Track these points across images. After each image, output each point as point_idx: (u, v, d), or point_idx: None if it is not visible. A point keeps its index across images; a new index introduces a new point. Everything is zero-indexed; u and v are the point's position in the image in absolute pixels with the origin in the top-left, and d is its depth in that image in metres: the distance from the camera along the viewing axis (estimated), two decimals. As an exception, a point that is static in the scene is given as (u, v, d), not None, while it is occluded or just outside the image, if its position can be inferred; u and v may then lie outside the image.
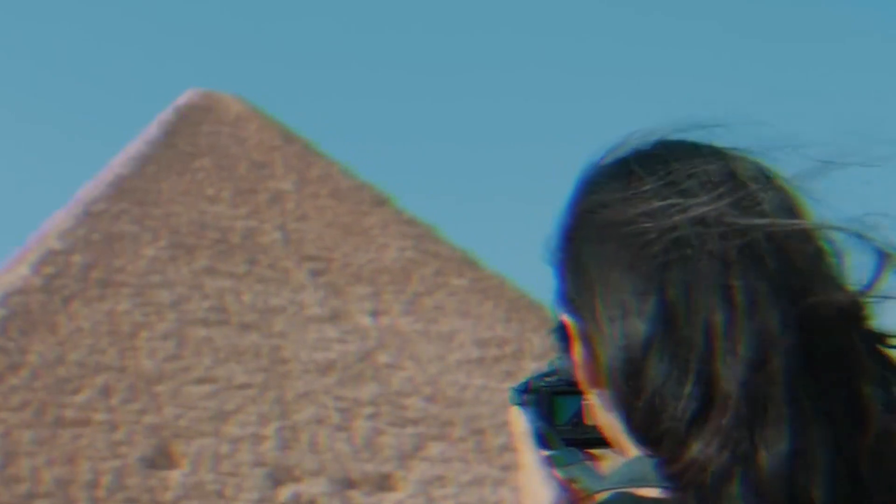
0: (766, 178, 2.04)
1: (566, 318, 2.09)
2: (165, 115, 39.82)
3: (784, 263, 1.95)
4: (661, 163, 2.05)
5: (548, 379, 2.31)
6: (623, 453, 2.04)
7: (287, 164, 39.85)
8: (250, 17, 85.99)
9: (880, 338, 1.98)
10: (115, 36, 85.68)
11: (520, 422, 2.30)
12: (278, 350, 34.94)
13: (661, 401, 1.91)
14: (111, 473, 31.08)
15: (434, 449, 34.44)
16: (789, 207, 2.01)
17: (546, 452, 2.26)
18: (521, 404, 2.32)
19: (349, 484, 33.03)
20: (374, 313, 36.81)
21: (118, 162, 38.16)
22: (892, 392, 1.95)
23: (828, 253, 1.99)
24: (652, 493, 1.93)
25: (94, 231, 35.48)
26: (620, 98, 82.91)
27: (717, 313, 1.92)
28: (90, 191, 37.19)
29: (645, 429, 1.95)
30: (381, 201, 39.84)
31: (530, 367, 34.90)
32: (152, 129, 39.27)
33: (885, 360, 1.98)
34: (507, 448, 34.38)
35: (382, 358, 35.84)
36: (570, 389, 2.24)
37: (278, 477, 32.59)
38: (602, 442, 2.15)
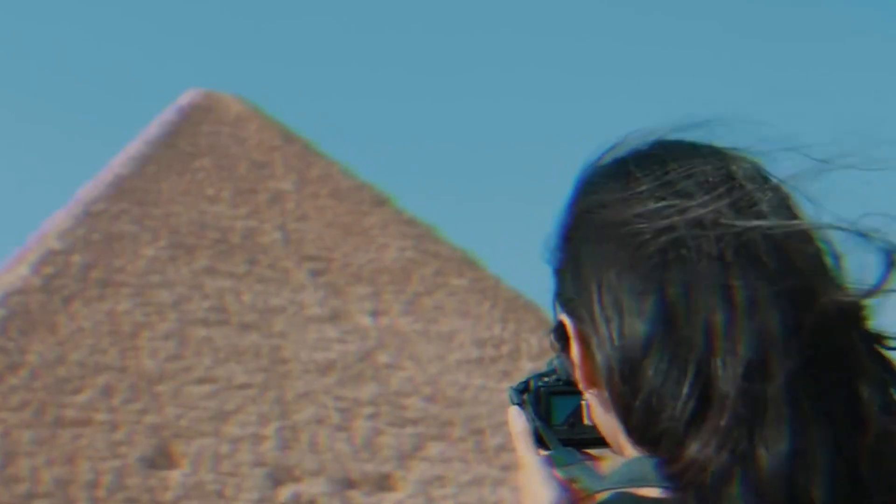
0: (763, 179, 2.04)
1: (564, 318, 2.09)
2: (165, 115, 39.83)
3: (783, 264, 1.95)
4: (658, 163, 2.05)
5: (546, 379, 2.31)
6: (621, 453, 2.04)
7: (287, 164, 39.85)
8: (250, 17, 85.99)
9: (879, 339, 1.99)
10: (115, 36, 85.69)
11: (518, 421, 2.30)
12: (278, 350, 34.94)
13: (660, 401, 1.91)
14: (111, 473, 31.08)
15: (434, 449, 34.44)
16: (788, 208, 2.01)
17: (545, 452, 2.26)
18: (520, 404, 2.32)
19: (349, 484, 33.03)
20: (374, 313, 36.81)
21: (118, 162, 38.15)
22: (890, 393, 1.95)
23: (826, 253, 1.99)
24: (652, 492, 1.93)
25: (93, 231, 35.48)
26: (620, 98, 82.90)
27: (716, 313, 1.92)
28: (90, 191, 37.19)
29: (643, 429, 1.95)
30: (380, 201, 39.84)
31: (527, 368, 34.93)
32: (152, 129, 39.27)
33: (884, 360, 1.98)
34: (507, 448, 34.38)
35: (382, 358, 35.85)
36: (569, 389, 2.24)
37: (278, 477, 32.59)
38: (600, 442, 2.15)
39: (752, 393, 1.88)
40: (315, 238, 38.06)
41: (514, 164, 78.47)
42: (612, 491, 1.99)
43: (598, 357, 2.00)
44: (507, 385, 2.40)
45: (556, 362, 2.27)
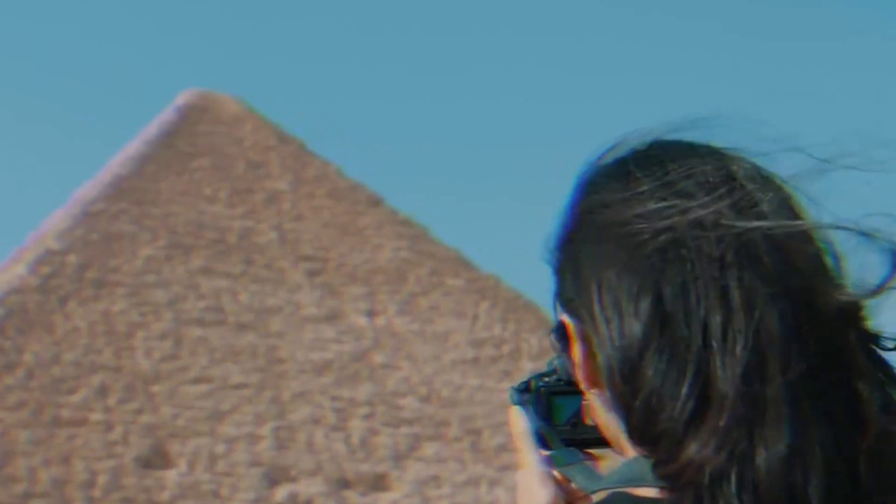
0: (764, 179, 2.03)
1: (565, 319, 2.09)
2: (163, 115, 39.78)
3: (782, 263, 1.95)
4: (658, 163, 2.05)
5: (546, 379, 2.31)
6: (622, 453, 2.04)
7: (283, 165, 39.81)
8: (247, 17, 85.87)
9: (878, 339, 1.99)
10: (114, 36, 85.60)
11: (519, 421, 2.30)
12: (274, 350, 34.90)
13: (659, 401, 1.91)
14: (107, 473, 31.05)
15: (429, 449, 34.41)
16: (788, 208, 2.01)
17: (545, 452, 2.26)
18: (520, 404, 2.32)
19: (345, 484, 33.00)
20: (370, 313, 36.78)
21: (116, 162, 38.10)
22: (889, 393, 1.95)
23: (826, 253, 1.99)
24: (650, 492, 1.93)
25: (91, 231, 35.43)
26: (620, 98, 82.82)
27: (715, 313, 1.92)
28: (88, 190, 37.14)
29: (642, 429, 1.94)
30: (376, 201, 39.80)
31: (526, 368, 34.89)
32: (150, 130, 39.22)
33: (883, 361, 1.98)
34: (503, 448, 34.35)
35: (378, 358, 35.81)
36: (569, 389, 2.24)
37: (274, 477, 32.56)
38: (601, 442, 2.15)
39: (751, 393, 1.88)
40: (311, 238, 38.03)
41: (513, 164, 78.41)
42: (610, 491, 1.99)
43: (599, 357, 2.00)
44: (507, 385, 2.40)
45: (556, 362, 2.27)
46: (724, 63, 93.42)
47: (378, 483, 33.35)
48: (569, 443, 2.27)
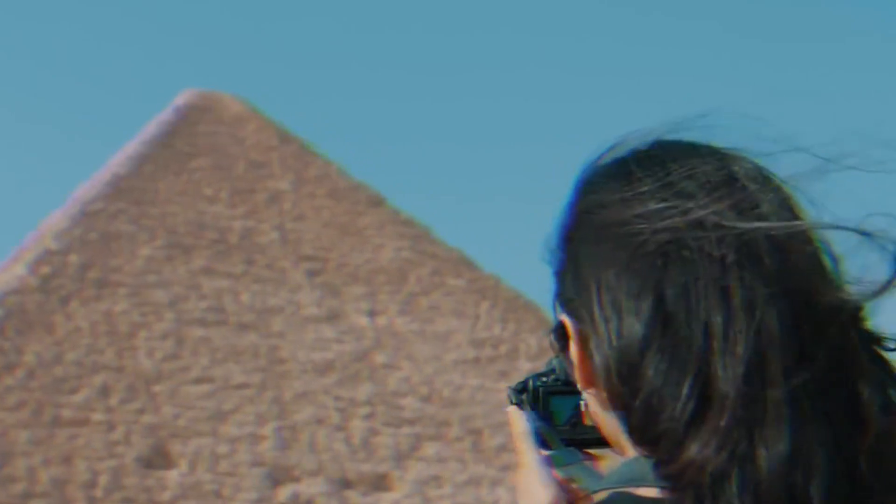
0: (764, 179, 2.03)
1: (564, 319, 2.09)
2: (163, 114, 39.80)
3: (783, 264, 1.95)
4: (658, 163, 2.05)
5: (545, 379, 2.32)
6: (622, 453, 2.04)
7: (284, 165, 39.83)
8: (248, 17, 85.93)
9: (877, 339, 1.99)
10: (114, 36, 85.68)
11: (519, 421, 2.31)
12: (276, 350, 34.93)
13: (659, 401, 1.91)
14: (108, 473, 31.07)
15: (430, 449, 34.43)
16: (788, 208, 2.01)
17: (545, 452, 2.27)
18: (519, 404, 2.33)
19: (346, 484, 33.02)
20: (371, 313, 36.80)
21: (115, 161, 38.13)
22: (889, 393, 1.95)
23: (826, 254, 2.00)
24: (651, 492, 1.93)
25: (91, 231, 35.45)
26: (620, 98, 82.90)
27: (716, 314, 1.92)
28: (87, 190, 37.15)
29: (643, 429, 1.95)
30: (377, 201, 39.82)
31: (525, 368, 34.91)
32: (150, 129, 39.24)
33: (882, 361, 1.98)
34: (504, 448, 34.37)
35: (379, 358, 35.83)
36: (567, 389, 2.25)
37: (276, 477, 32.58)
38: (600, 442, 2.15)
39: (751, 394, 1.88)
40: (312, 238, 38.05)
41: (513, 164, 78.49)
42: (611, 490, 1.99)
43: (597, 357, 1.99)
44: (505, 385, 2.40)
45: (555, 362, 2.28)
46: (724, 63, 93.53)
47: (379, 483, 33.37)
48: (569, 442, 2.27)
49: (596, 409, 2.09)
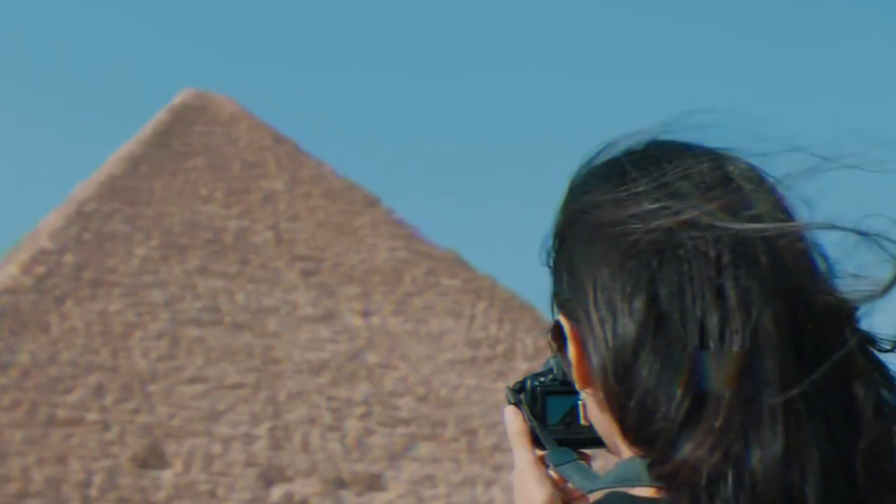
0: (759, 179, 2.03)
1: (561, 319, 2.08)
2: (158, 115, 39.77)
3: (777, 264, 1.95)
4: (653, 163, 2.04)
5: (542, 379, 2.32)
6: (618, 453, 2.04)
7: (279, 165, 39.82)
8: (244, 18, 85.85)
9: (872, 340, 1.99)
10: (114, 36, 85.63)
11: (514, 421, 2.31)
12: (270, 350, 34.91)
13: (654, 401, 1.91)
14: (103, 473, 31.04)
15: (425, 449, 34.42)
16: (783, 209, 2.01)
17: (540, 452, 2.27)
18: (517, 404, 2.33)
19: (340, 484, 33.01)
20: (365, 313, 36.79)
21: (111, 162, 38.10)
22: (883, 394, 1.95)
23: (821, 254, 1.99)
24: (646, 492, 1.93)
25: (86, 231, 35.42)
26: (620, 98, 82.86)
27: (711, 314, 1.92)
28: (83, 190, 37.13)
29: (638, 429, 1.94)
30: (372, 202, 39.81)
31: (522, 368, 34.90)
32: (145, 130, 39.22)
33: (877, 361, 1.98)
34: (498, 448, 34.36)
35: (373, 358, 35.82)
36: (564, 389, 2.25)
37: (270, 477, 32.56)
38: (595, 441, 2.14)
39: (746, 394, 1.88)
40: (307, 238, 38.04)
41: (511, 164, 78.47)
42: (607, 490, 1.99)
43: (594, 358, 1.99)
44: (502, 385, 2.40)
45: (553, 362, 2.28)
46: (724, 63, 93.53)
47: (374, 483, 33.36)
48: (563, 442, 2.27)
49: (593, 408, 2.08)
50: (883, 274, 1.98)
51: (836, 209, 2.00)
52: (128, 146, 38.60)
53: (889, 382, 1.98)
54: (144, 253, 35.60)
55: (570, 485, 2.23)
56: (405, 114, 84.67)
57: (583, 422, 2.20)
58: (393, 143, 77.52)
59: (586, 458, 2.27)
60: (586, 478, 2.18)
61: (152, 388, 32.90)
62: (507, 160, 79.86)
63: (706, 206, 1.97)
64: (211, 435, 32.65)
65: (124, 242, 35.59)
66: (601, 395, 2.01)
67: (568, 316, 2.07)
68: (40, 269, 33.94)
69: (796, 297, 1.94)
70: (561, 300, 2.09)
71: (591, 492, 2.08)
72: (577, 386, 2.09)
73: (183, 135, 39.26)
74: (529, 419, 2.31)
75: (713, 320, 1.92)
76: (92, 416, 31.81)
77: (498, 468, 34.14)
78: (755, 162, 2.06)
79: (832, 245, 2.00)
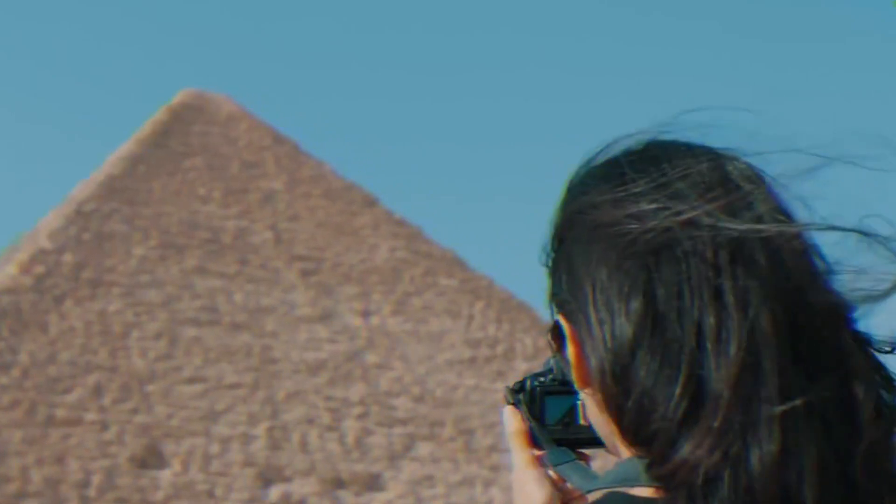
0: (759, 179, 2.03)
1: (560, 319, 2.08)
2: (157, 115, 39.78)
3: (777, 264, 1.95)
4: (652, 164, 2.04)
5: (542, 379, 2.31)
6: (617, 453, 2.04)
7: (278, 165, 39.83)
8: (243, 18, 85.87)
9: (870, 340, 1.99)
10: (113, 36, 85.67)
11: (513, 421, 2.31)
12: (269, 350, 34.91)
13: (651, 401, 1.91)
14: (101, 473, 31.04)
15: (423, 449, 34.42)
16: (783, 209, 2.01)
17: (539, 452, 2.27)
18: (516, 404, 2.33)
19: (339, 484, 33.01)
20: (364, 313, 36.79)
21: (109, 162, 38.11)
22: (883, 395, 1.95)
23: (819, 255, 1.99)
24: (645, 492, 1.93)
25: (84, 231, 35.42)
26: (620, 98, 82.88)
27: (708, 314, 1.91)
28: (81, 190, 37.13)
29: (635, 429, 1.94)
30: (371, 202, 39.81)
31: (520, 368, 34.92)
32: (144, 130, 39.22)
33: (876, 362, 1.98)
34: (497, 448, 34.36)
35: (372, 358, 35.83)
36: (563, 389, 2.25)
37: (268, 477, 32.56)
38: (594, 441, 2.14)
39: (745, 394, 1.88)
40: (306, 238, 38.05)
41: (510, 164, 78.50)
42: (605, 490, 1.99)
43: (592, 359, 1.99)
44: (501, 385, 2.41)
45: (552, 362, 2.28)
46: (724, 63, 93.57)
47: (372, 483, 33.37)
48: (561, 442, 2.27)
49: (592, 409, 2.08)
50: (884, 274, 1.98)
51: (834, 209, 2.00)
52: (126, 146, 38.60)
53: (889, 383, 1.99)
54: (143, 253, 35.60)
55: (568, 485, 2.23)
56: (405, 114, 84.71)
57: (581, 422, 2.21)
58: (392, 143, 77.56)
59: (585, 458, 2.26)
60: (585, 478, 2.18)
61: (151, 388, 32.90)
62: (506, 160, 79.88)
63: (705, 207, 1.96)
64: (209, 435, 32.65)
65: (123, 242, 35.60)
66: (599, 395, 2.01)
67: (567, 316, 2.07)
68: (39, 269, 33.94)
69: (795, 297, 1.94)
70: (560, 301, 2.09)
71: (589, 492, 2.08)
72: (576, 386, 2.09)
73: (181, 135, 39.27)
74: (528, 419, 2.31)
75: (711, 321, 1.91)
76: (90, 416, 31.81)
77: (496, 468, 34.14)
78: (754, 161, 2.06)
79: (831, 245, 2.00)
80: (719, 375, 1.89)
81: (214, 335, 34.62)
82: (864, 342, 1.99)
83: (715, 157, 2.05)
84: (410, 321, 36.93)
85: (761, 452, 1.86)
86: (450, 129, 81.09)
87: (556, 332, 2.10)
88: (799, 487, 1.87)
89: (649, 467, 1.92)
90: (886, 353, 2.01)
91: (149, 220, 36.49)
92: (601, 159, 2.12)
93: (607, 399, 1.99)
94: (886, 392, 1.97)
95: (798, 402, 1.89)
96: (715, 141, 2.08)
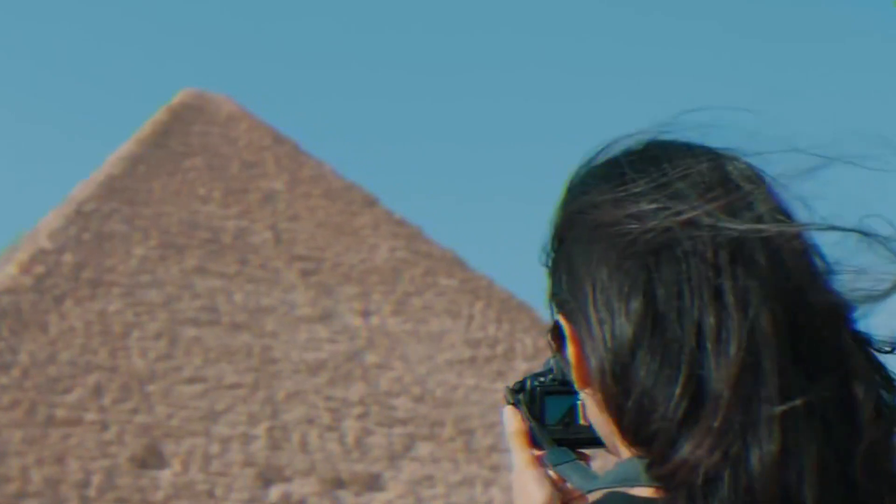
0: (759, 179, 2.03)
1: (560, 319, 2.08)
2: (157, 115, 39.79)
3: (777, 264, 1.95)
4: (652, 164, 2.04)
5: (542, 379, 2.32)
6: (617, 454, 2.04)
7: (278, 165, 39.83)
8: (243, 17, 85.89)
9: (870, 340, 1.99)
10: (113, 36, 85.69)
11: (513, 421, 2.31)
12: (269, 350, 34.92)
13: (651, 401, 1.91)
14: (102, 473, 31.05)
15: (423, 449, 34.43)
16: (783, 209, 2.01)
17: (539, 452, 2.27)
18: (516, 404, 2.33)
19: (339, 484, 33.02)
20: (364, 313, 36.80)
21: (109, 161, 38.11)
22: (883, 395, 1.95)
23: (819, 254, 1.99)
24: (645, 492, 1.93)
25: (84, 231, 35.43)
26: (620, 98, 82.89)
27: (708, 314, 1.91)
28: (82, 190, 37.14)
29: (635, 429, 1.94)
30: (371, 202, 39.82)
31: (520, 368, 34.92)
32: (144, 129, 39.23)
33: (876, 362, 1.98)
34: (497, 448, 34.37)
35: (372, 358, 35.83)
36: (563, 389, 2.25)
37: (268, 477, 32.57)
38: (595, 441, 2.14)
39: (745, 394, 1.88)
40: (306, 238, 38.05)
41: (510, 164, 78.52)
42: (606, 490, 1.99)
43: (592, 359, 1.99)
44: (501, 385, 2.41)
45: (552, 362, 2.28)
46: (724, 63, 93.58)
47: (372, 483, 33.37)
48: (561, 442, 2.27)
49: (592, 409, 2.08)
50: (885, 274, 1.98)
51: (834, 209, 2.00)
52: (126, 146, 38.60)
53: (889, 383, 1.99)
54: (143, 253, 35.61)
55: (568, 485, 2.23)
56: (404, 114, 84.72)
57: (582, 422, 2.21)
58: (392, 143, 77.57)
59: (585, 458, 2.27)
60: (585, 478, 2.18)
61: (151, 388, 32.90)
62: (506, 160, 79.90)
63: (705, 207, 1.97)
64: (209, 435, 32.65)
65: (123, 242, 35.60)
66: (599, 395, 2.01)
67: (567, 316, 2.07)
68: (39, 269, 33.95)
69: (795, 297, 1.94)
70: (560, 301, 2.09)
71: (590, 492, 2.08)
72: (576, 386, 2.09)
73: (181, 135, 39.27)
74: (528, 419, 2.31)
75: (711, 320, 1.91)
76: (90, 416, 31.81)
77: (496, 468, 34.15)
78: (754, 161, 2.06)
79: (831, 245, 2.00)
80: (719, 375, 1.89)
81: (214, 335, 34.63)
82: (864, 342, 1.99)
83: (715, 157, 2.05)
84: (410, 321, 36.93)
85: (761, 452, 1.86)
86: (450, 129, 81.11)
87: (557, 332, 2.10)
88: (799, 487, 1.86)
89: (649, 467, 1.92)
90: (886, 353, 2.01)
91: (149, 220, 36.50)
92: (601, 159, 2.12)
93: (607, 399, 1.99)
94: (886, 392, 1.97)
95: (798, 402, 1.89)
96: (715, 141, 2.08)
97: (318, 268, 37.33)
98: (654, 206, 1.98)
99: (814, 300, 1.95)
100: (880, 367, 1.99)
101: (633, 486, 1.95)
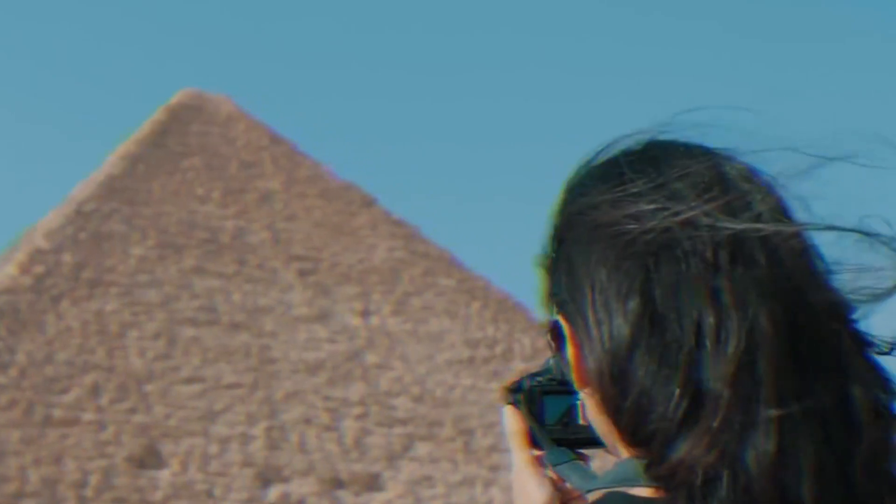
0: (756, 179, 2.03)
1: (559, 319, 2.08)
2: (155, 115, 39.79)
3: (775, 264, 1.94)
4: (651, 164, 2.04)
5: (540, 378, 2.31)
6: (616, 453, 2.03)
7: (276, 165, 39.82)
8: (242, 18, 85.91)
9: (868, 341, 1.99)
10: (113, 36, 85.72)
11: (511, 421, 2.31)
12: (267, 350, 34.91)
13: (649, 401, 1.91)
14: (99, 473, 31.04)
15: (422, 449, 34.43)
16: (781, 209, 2.01)
17: (538, 452, 2.27)
18: (514, 403, 2.33)
19: (338, 484, 33.01)
20: (363, 313, 36.79)
21: (109, 161, 38.11)
22: (880, 396, 1.95)
23: (818, 254, 1.99)
24: (644, 492, 1.93)
25: (83, 230, 35.42)
26: (620, 98, 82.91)
27: (707, 314, 1.91)
28: (81, 190, 37.14)
29: (633, 429, 1.94)
30: (369, 202, 39.81)
31: (519, 368, 34.91)
32: (142, 129, 39.23)
33: (874, 362, 1.98)
34: (496, 448, 34.37)
35: (371, 358, 35.83)
36: (562, 389, 2.24)
37: (267, 477, 32.56)
38: (594, 441, 2.13)
39: (743, 393, 1.88)
40: (304, 238, 38.04)
41: (508, 164, 78.56)
42: (605, 490, 1.99)
43: (591, 359, 1.99)
44: (499, 385, 2.40)
45: (551, 362, 2.27)
46: (724, 63, 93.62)
47: (371, 483, 33.37)
48: (560, 442, 2.27)
49: (591, 409, 2.07)
50: (885, 274, 1.98)
51: (834, 209, 1.99)
52: (125, 146, 38.60)
53: (886, 384, 1.98)
54: (141, 253, 35.60)
55: (568, 485, 2.23)
56: (402, 114, 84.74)
57: (581, 422, 2.20)
58: (390, 143, 77.60)
59: (584, 458, 2.27)
60: (584, 478, 2.18)
61: (149, 387, 32.89)
62: (505, 160, 79.92)
63: (704, 207, 1.96)
64: (208, 435, 32.65)
65: (121, 242, 35.59)
66: (598, 396, 2.01)
67: (566, 317, 2.07)
68: (38, 269, 33.93)
69: (794, 297, 1.94)
70: (559, 301, 2.09)
71: (589, 492, 2.09)
72: (575, 386, 2.09)
73: (180, 134, 39.26)
74: (527, 419, 2.31)
75: (710, 320, 1.91)
76: (88, 415, 31.80)
77: (496, 468, 34.15)
78: (752, 161, 2.05)
79: (829, 245, 2.00)
80: (717, 375, 1.89)
81: (213, 335, 34.62)
82: (863, 342, 1.98)
83: (713, 158, 2.05)
84: (409, 321, 36.93)
85: (758, 452, 1.86)
86: (448, 130, 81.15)
87: (556, 333, 2.10)
88: (797, 488, 1.86)
89: (648, 467, 1.92)
90: (886, 353, 2.00)
91: (147, 219, 36.49)
92: (600, 159, 2.12)
93: (605, 400, 1.99)
94: (884, 393, 1.97)
95: (795, 402, 1.88)
96: (714, 141, 2.08)
97: (315, 268, 37.32)
98: (652, 206, 1.98)
99: (813, 300, 1.95)
100: (879, 368, 1.98)
101: (632, 486, 1.95)
